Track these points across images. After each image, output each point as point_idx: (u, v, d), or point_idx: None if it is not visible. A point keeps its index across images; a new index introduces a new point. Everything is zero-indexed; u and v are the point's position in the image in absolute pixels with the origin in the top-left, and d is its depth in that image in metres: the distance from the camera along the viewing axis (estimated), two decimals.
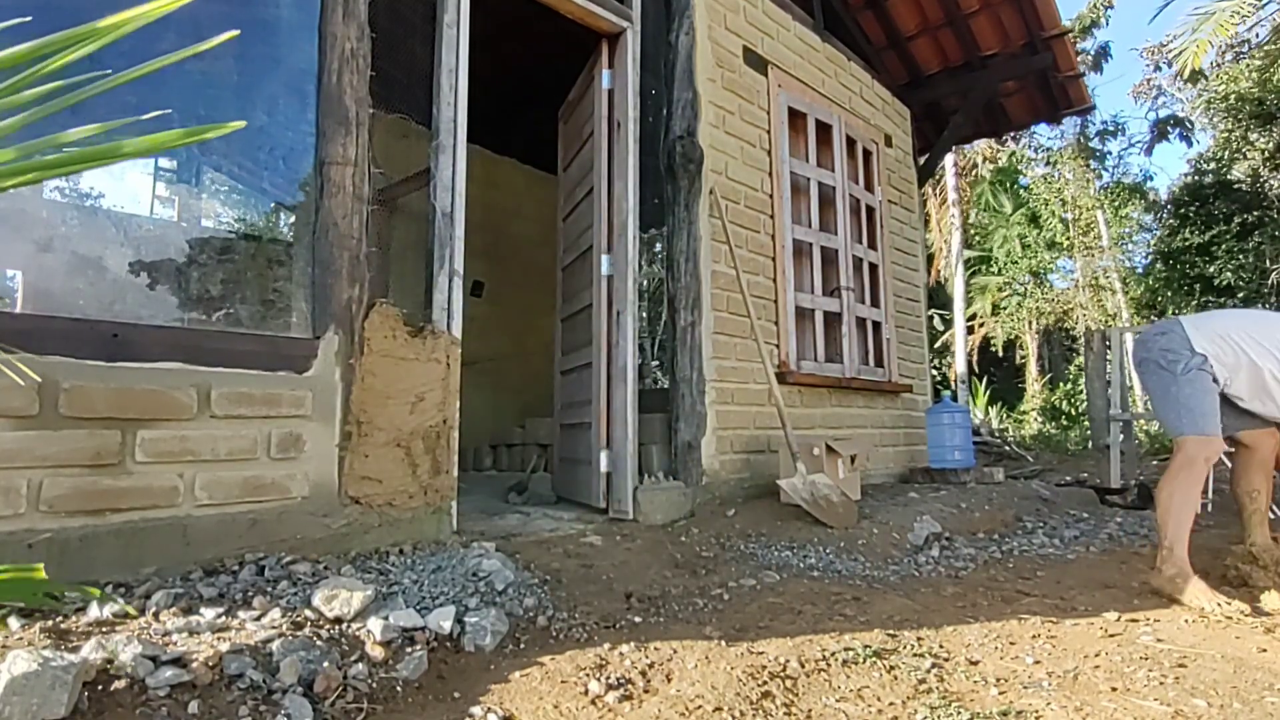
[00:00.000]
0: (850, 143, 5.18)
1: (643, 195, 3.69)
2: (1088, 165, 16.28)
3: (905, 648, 1.99)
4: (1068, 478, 6.23)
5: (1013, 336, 18.03)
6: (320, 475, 2.38)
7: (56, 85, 0.85)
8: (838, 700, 1.67)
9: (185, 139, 0.89)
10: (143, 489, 2.03)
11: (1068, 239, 16.69)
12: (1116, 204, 16.44)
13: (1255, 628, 2.25)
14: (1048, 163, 17.20)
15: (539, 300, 5.62)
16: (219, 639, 1.61)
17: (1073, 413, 15.25)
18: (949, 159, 13.80)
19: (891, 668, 1.84)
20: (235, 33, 0.97)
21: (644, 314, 3.19)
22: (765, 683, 1.70)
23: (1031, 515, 4.13)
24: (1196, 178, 14.83)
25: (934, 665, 1.87)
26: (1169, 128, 15.67)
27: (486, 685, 1.67)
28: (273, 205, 3.51)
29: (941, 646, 2.03)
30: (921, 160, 6.52)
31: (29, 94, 0.86)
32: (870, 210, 5.35)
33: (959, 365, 14.48)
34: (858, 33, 5.79)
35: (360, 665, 1.63)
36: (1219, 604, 2.37)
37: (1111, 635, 2.17)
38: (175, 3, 0.86)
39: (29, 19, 0.95)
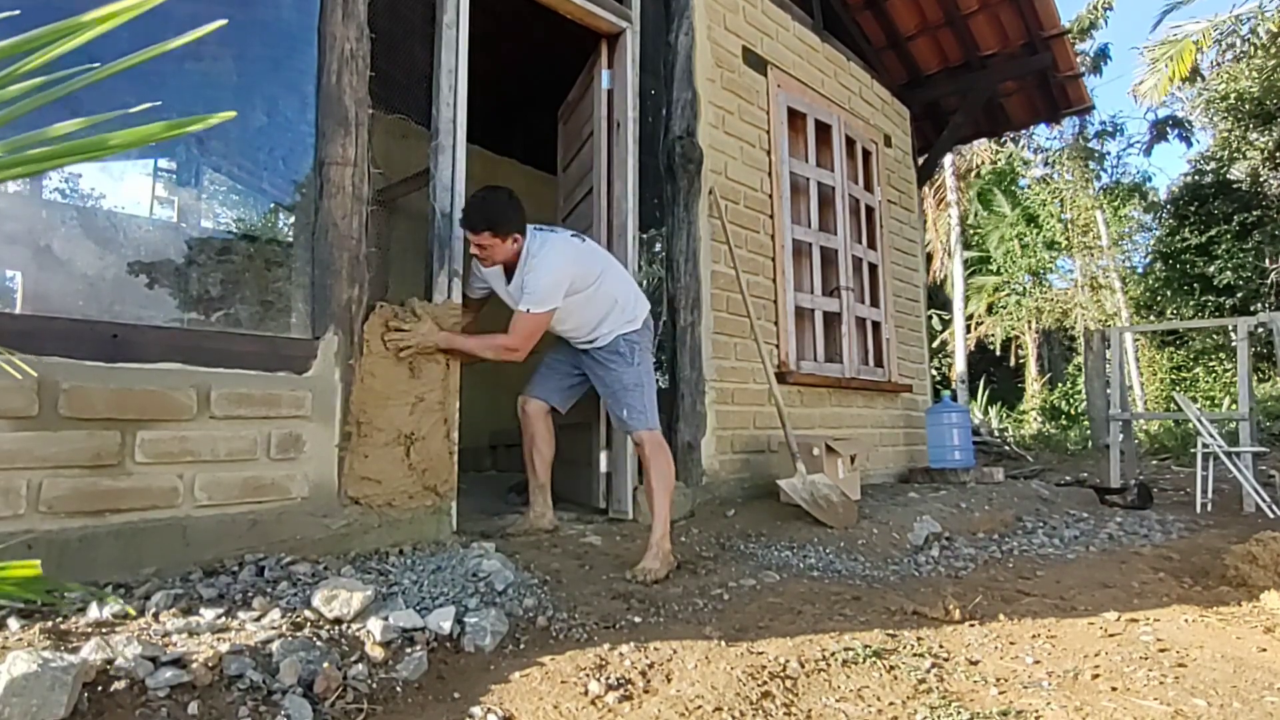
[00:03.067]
0: (850, 143, 5.18)
1: (642, 195, 3.69)
2: (1086, 166, 16.28)
3: (905, 648, 1.99)
4: (1067, 477, 6.24)
5: (1011, 336, 18.03)
6: (320, 476, 2.38)
7: (43, 80, 0.85)
8: (838, 700, 1.67)
9: (170, 131, 0.88)
10: (142, 490, 2.03)
11: (1066, 239, 16.69)
12: (1115, 204, 16.45)
13: (1255, 628, 2.26)
14: (1046, 163, 17.21)
15: None
16: (219, 640, 1.61)
17: (1072, 412, 15.26)
18: (947, 159, 13.80)
19: (891, 668, 1.84)
20: (223, 22, 0.97)
21: None
22: (765, 683, 1.70)
23: (1031, 515, 4.13)
24: (1196, 177, 14.85)
25: (934, 665, 1.87)
26: (1168, 128, 15.67)
27: (486, 686, 1.66)
28: (272, 206, 3.51)
29: (941, 646, 2.03)
30: (921, 160, 6.52)
31: (15, 89, 0.85)
32: (870, 210, 5.35)
33: (958, 365, 14.48)
34: (857, 33, 5.79)
35: (360, 666, 1.63)
36: None
37: (1111, 635, 2.18)
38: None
39: (17, 13, 0.95)
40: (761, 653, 1.89)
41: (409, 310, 2.65)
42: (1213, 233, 13.42)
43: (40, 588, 0.92)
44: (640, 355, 2.96)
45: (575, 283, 2.78)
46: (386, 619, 1.78)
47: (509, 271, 2.85)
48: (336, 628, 1.75)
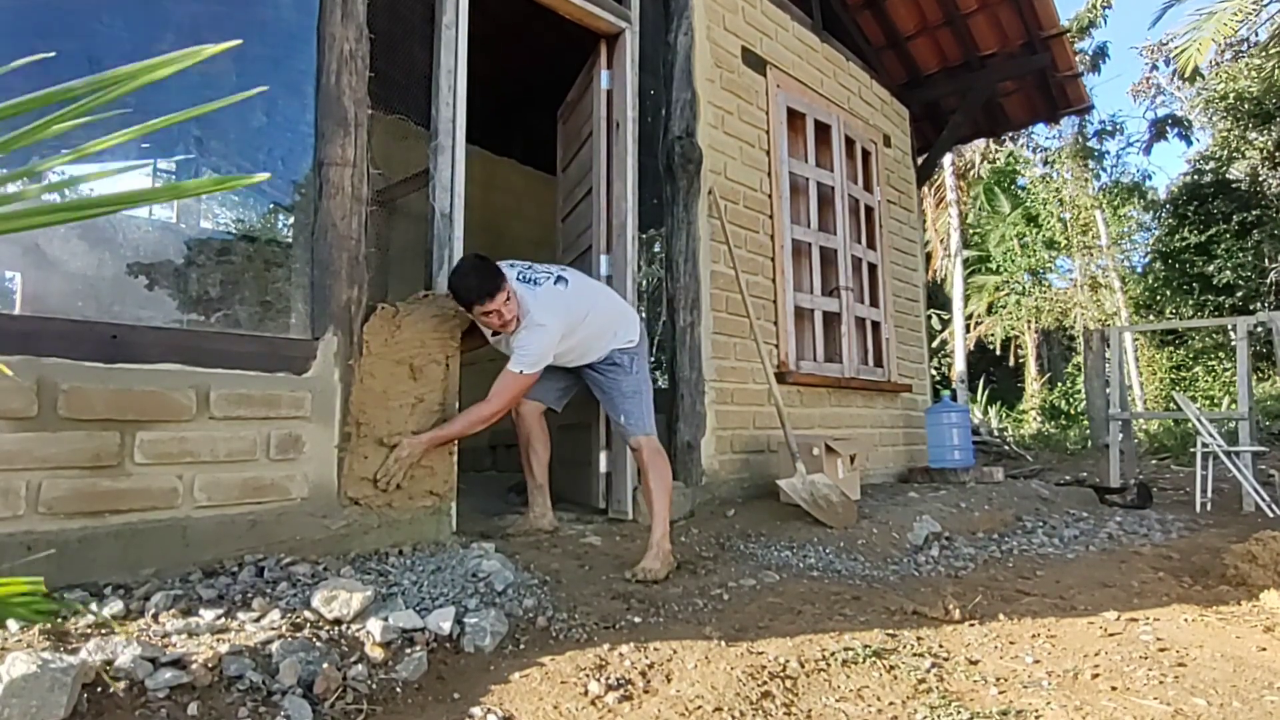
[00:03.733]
0: (849, 143, 5.18)
1: (642, 196, 3.69)
2: (1086, 165, 16.28)
3: (905, 647, 1.99)
4: (1067, 477, 6.24)
5: (1011, 335, 18.04)
6: (320, 476, 2.38)
7: (76, 124, 0.85)
8: (838, 700, 1.67)
9: (218, 186, 0.90)
10: (142, 490, 2.03)
11: (1066, 238, 16.70)
12: (1115, 203, 16.45)
13: (1255, 627, 2.26)
14: (1045, 162, 17.21)
15: None
16: (218, 640, 1.61)
17: (1072, 412, 15.27)
18: (947, 159, 13.80)
19: (891, 667, 1.84)
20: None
21: (643, 314, 3.21)
22: (765, 683, 1.70)
23: (1031, 515, 4.13)
24: (1195, 177, 14.85)
25: (934, 665, 1.87)
26: (1168, 127, 15.68)
27: (486, 686, 1.66)
28: (271, 206, 3.50)
29: (941, 646, 2.03)
30: (920, 160, 6.52)
31: (51, 131, 0.86)
32: (869, 210, 5.35)
33: (958, 365, 14.48)
34: (856, 33, 5.79)
35: (360, 666, 1.63)
36: None
37: (1111, 634, 2.18)
38: (201, 56, 0.87)
39: (53, 54, 0.95)
40: (761, 653, 1.89)
41: (412, 303, 2.63)
42: (1212, 232, 13.42)
43: (41, 606, 0.92)
44: (638, 364, 2.98)
45: (565, 331, 2.78)
46: (386, 619, 1.78)
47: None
48: (336, 628, 1.75)
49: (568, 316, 2.78)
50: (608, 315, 2.96)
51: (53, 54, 0.92)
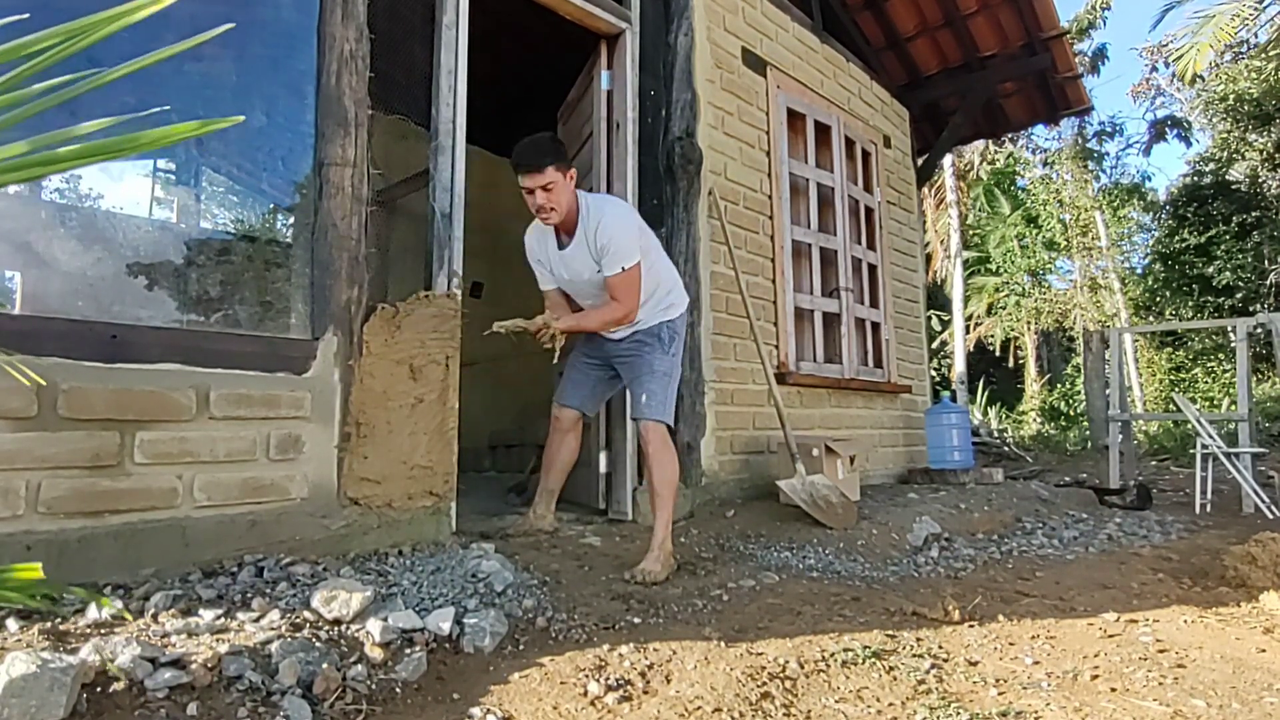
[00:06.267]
0: (849, 143, 5.18)
1: (642, 196, 3.69)
2: (1085, 166, 16.29)
3: (905, 648, 1.99)
4: (1067, 478, 6.24)
5: (1011, 336, 18.05)
6: (319, 476, 2.38)
7: (55, 82, 0.85)
8: (837, 701, 1.67)
9: (202, 129, 0.90)
10: (141, 490, 2.03)
11: (1066, 240, 16.71)
12: (1115, 205, 16.46)
13: (1254, 629, 2.26)
14: (1045, 164, 17.23)
15: (538, 301, 5.56)
16: (218, 640, 1.61)
17: (1071, 413, 15.28)
18: (947, 160, 13.80)
19: (891, 668, 1.84)
20: (230, 25, 0.97)
21: None
22: (765, 683, 1.70)
23: (1031, 516, 4.13)
24: (1195, 178, 14.86)
25: (933, 666, 1.87)
26: (1167, 128, 15.70)
27: (486, 686, 1.66)
28: (271, 206, 3.50)
29: (941, 647, 2.03)
30: (920, 161, 6.53)
31: (23, 92, 0.86)
32: (869, 211, 5.35)
33: (958, 366, 14.48)
34: (856, 34, 5.79)
35: (359, 666, 1.63)
36: None
37: (1110, 635, 2.18)
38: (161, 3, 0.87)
39: (26, 16, 0.95)
40: (761, 653, 1.89)
41: (412, 303, 2.65)
42: (1212, 233, 13.43)
43: (40, 590, 0.92)
44: (676, 346, 2.91)
45: (640, 237, 2.74)
46: (386, 620, 1.78)
47: (560, 237, 2.76)
48: (336, 628, 1.75)
49: (639, 221, 2.77)
50: (663, 269, 2.92)
51: (26, 15, 0.92)
